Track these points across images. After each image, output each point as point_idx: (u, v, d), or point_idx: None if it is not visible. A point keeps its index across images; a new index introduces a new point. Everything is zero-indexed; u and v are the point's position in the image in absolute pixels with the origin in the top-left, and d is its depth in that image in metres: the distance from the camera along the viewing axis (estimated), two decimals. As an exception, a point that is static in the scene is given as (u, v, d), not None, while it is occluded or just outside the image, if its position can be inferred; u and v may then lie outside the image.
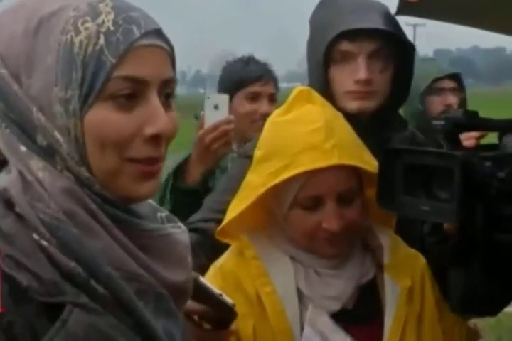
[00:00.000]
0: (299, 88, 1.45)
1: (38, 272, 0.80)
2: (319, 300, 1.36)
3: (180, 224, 1.01)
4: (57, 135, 0.86)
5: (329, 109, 1.44)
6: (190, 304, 1.08)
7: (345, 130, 1.41)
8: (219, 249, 1.50)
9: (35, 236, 0.82)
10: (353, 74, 1.68)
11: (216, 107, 1.97)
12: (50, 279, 0.81)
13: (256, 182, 1.39)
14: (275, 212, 1.42)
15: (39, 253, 0.81)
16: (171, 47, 0.93)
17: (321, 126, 1.35)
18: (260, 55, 2.52)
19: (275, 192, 1.38)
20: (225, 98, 2.02)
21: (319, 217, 1.35)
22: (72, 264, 0.82)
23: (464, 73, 3.02)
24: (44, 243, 0.82)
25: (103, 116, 0.86)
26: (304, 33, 1.85)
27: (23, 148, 0.87)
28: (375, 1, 1.83)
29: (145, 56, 0.88)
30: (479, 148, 1.41)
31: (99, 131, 0.86)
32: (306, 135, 1.35)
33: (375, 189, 1.36)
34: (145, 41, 0.88)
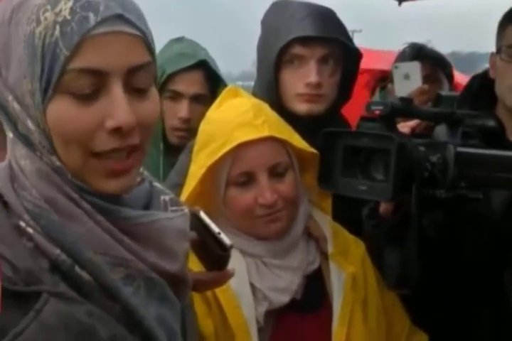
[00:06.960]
0: (228, 87, 1.53)
1: (13, 261, 0.77)
2: (270, 293, 1.38)
3: (183, 207, 0.97)
4: (30, 124, 0.83)
5: (255, 99, 1.49)
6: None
7: (271, 113, 1.47)
8: None
9: (22, 224, 0.80)
10: (304, 77, 1.72)
11: (407, 77, 1.80)
12: (27, 268, 0.78)
13: (196, 168, 1.40)
14: (215, 198, 1.43)
15: (20, 242, 0.80)
16: (143, 31, 0.85)
17: (250, 108, 1.42)
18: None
19: (212, 177, 1.39)
20: (415, 66, 1.83)
21: (254, 194, 1.38)
22: (57, 251, 0.80)
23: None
24: (30, 230, 0.80)
25: (61, 110, 0.83)
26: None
27: (10, 135, 0.86)
28: (322, 6, 1.85)
29: (103, 45, 0.82)
30: (413, 136, 1.46)
31: (60, 125, 0.83)
32: (237, 116, 1.41)
33: (311, 171, 1.39)
34: (103, 28, 0.81)
